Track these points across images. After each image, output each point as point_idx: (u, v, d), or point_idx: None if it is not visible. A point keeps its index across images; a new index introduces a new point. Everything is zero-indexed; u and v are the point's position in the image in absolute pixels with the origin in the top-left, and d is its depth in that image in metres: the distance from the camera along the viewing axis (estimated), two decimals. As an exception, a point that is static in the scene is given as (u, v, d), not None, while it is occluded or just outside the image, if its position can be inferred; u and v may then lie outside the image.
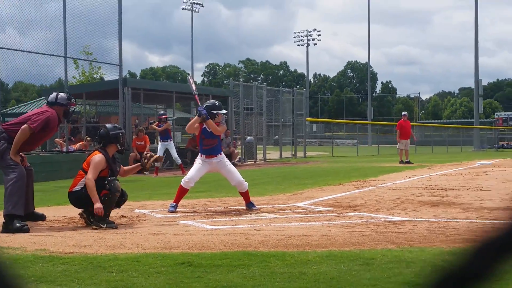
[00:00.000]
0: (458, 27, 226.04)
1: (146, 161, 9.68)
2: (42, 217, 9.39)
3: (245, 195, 10.87)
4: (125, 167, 9.85)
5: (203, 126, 10.71)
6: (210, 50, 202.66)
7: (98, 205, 8.58)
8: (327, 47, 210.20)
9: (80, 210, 9.05)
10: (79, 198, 8.87)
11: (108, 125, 9.54)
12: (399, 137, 27.98)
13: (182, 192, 10.71)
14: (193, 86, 11.61)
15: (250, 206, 10.72)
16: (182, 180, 10.79)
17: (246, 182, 10.88)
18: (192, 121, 10.92)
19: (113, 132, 9.27)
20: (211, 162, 10.83)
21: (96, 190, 8.70)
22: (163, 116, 21.76)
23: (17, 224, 8.36)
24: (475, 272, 0.86)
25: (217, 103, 11.08)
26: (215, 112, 10.76)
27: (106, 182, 8.82)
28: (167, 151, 21.50)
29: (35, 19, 21.63)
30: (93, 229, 8.53)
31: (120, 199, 9.04)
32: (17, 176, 8.67)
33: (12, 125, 9.09)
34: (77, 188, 8.90)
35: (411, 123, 30.15)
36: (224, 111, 11.00)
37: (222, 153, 11.07)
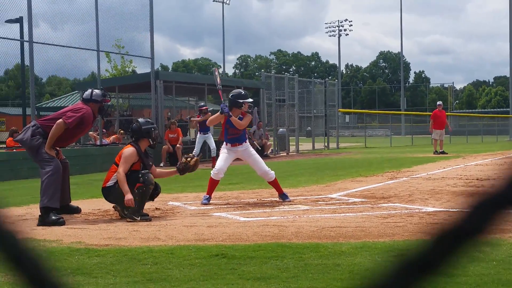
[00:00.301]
0: (491, 15, 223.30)
1: (183, 165, 9.67)
2: (77, 210, 9.49)
3: (275, 185, 10.84)
4: (159, 170, 9.89)
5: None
6: (241, 42, 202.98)
7: (129, 196, 8.64)
8: (359, 38, 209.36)
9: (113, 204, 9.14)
10: (112, 193, 8.95)
11: (140, 120, 9.60)
12: (431, 127, 27.72)
13: (213, 184, 10.73)
14: (218, 80, 11.54)
15: (283, 197, 10.70)
16: (212, 172, 10.82)
17: (272, 171, 10.86)
18: (213, 117, 10.95)
19: (145, 127, 9.31)
20: (236, 151, 10.86)
21: (130, 184, 8.76)
22: (204, 108, 21.75)
23: (53, 217, 8.46)
24: (432, 262, 0.84)
25: (243, 92, 11.09)
26: (241, 101, 10.77)
27: (140, 175, 8.88)
28: (204, 143, 21.49)
29: (67, 13, 21.83)
30: (127, 221, 8.59)
31: (153, 192, 9.09)
32: (53, 169, 8.77)
33: (48, 120, 9.19)
34: (110, 183, 8.97)
35: (446, 113, 29.83)
36: (250, 100, 10.98)
37: (247, 141, 11.08)
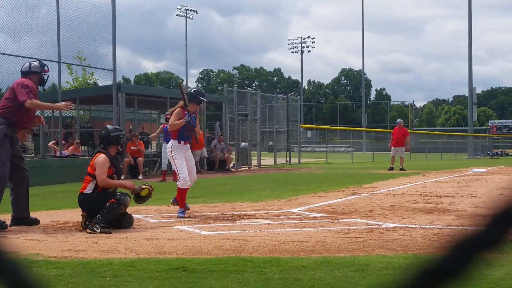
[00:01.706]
0: (450, 35, 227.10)
1: (135, 197, 9.56)
2: (36, 222, 9.36)
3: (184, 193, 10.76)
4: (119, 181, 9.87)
5: (186, 114, 10.77)
6: (203, 56, 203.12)
7: (127, 183, 9.14)
8: (321, 55, 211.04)
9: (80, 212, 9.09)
10: (88, 201, 8.96)
11: (109, 127, 9.76)
12: (390, 143, 28.20)
13: (183, 194, 10.70)
14: (185, 96, 11.22)
15: (174, 200, 10.87)
16: (178, 183, 10.72)
17: (194, 177, 11.02)
18: (177, 122, 10.79)
19: (114, 134, 9.48)
20: (186, 149, 10.90)
21: (105, 199, 8.88)
22: (167, 116, 21.61)
23: None
24: (448, 273, 0.87)
25: (203, 91, 11.58)
26: (202, 98, 11.02)
27: (118, 194, 8.98)
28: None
29: (28, 24, 21.59)
30: (87, 233, 8.49)
31: (125, 222, 9.04)
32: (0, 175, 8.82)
33: (2, 108, 9.13)
34: (88, 191, 8.99)
35: (407, 130, 30.17)
36: (206, 100, 11.50)
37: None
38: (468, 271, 0.89)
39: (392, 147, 27.97)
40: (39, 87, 9.56)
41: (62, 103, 9.69)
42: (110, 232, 8.56)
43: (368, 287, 5.26)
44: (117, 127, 9.98)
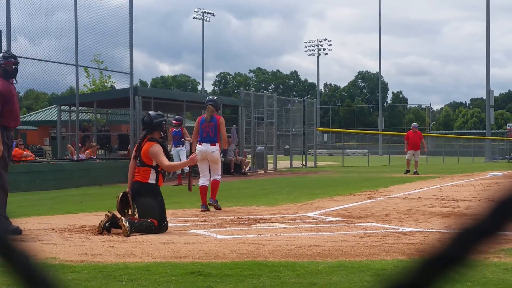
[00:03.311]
0: (467, 38, 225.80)
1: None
2: (17, 231, 8.59)
3: (214, 187, 11.87)
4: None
5: (203, 116, 11.78)
6: (220, 59, 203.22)
7: (187, 161, 9.72)
8: (337, 57, 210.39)
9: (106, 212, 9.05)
10: (147, 191, 9.10)
11: (151, 113, 9.83)
12: (406, 147, 28.13)
13: (205, 192, 11.77)
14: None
15: (211, 201, 11.71)
16: (200, 182, 11.87)
17: (220, 176, 12.09)
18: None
19: (157, 120, 9.60)
20: (206, 150, 11.66)
21: (152, 208, 8.96)
22: (176, 122, 21.61)
23: None
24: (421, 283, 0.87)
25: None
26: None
27: (163, 221, 9.00)
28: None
29: (46, 28, 21.79)
30: (103, 236, 8.51)
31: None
32: None
33: None
34: (152, 181, 9.18)
35: (422, 134, 30.06)
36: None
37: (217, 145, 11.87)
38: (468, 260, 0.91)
39: (409, 151, 27.88)
40: (13, 80, 9.04)
41: (1, 148, 8.57)
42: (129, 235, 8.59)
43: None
44: (159, 112, 9.92)
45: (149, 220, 8.86)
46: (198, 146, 11.81)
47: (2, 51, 9.26)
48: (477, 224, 0.90)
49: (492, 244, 0.88)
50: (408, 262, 0.90)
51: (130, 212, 9.13)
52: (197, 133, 12.04)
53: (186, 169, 21.03)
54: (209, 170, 12.00)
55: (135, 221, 8.82)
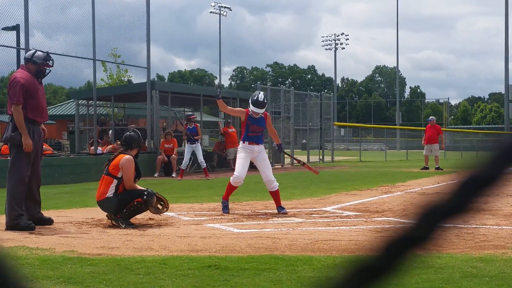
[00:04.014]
0: (481, 33, 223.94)
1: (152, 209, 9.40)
2: (49, 221, 9.22)
3: (275, 196, 10.85)
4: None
5: (249, 113, 10.81)
6: (234, 54, 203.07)
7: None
8: (352, 52, 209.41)
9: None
10: (112, 204, 9.05)
11: (136, 131, 9.87)
12: (423, 141, 27.80)
13: (231, 189, 10.91)
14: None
15: (279, 209, 10.70)
16: (231, 178, 10.88)
17: (277, 183, 10.88)
18: (234, 109, 11.82)
19: (140, 138, 9.70)
20: (253, 150, 10.86)
21: (131, 197, 8.99)
22: (192, 116, 21.65)
23: (22, 224, 8.51)
24: (382, 267, 0.88)
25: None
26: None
27: (146, 193, 9.02)
28: (193, 154, 21.41)
29: (62, 23, 21.93)
30: (120, 230, 8.57)
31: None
32: (17, 178, 8.80)
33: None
34: (110, 194, 9.04)
35: (441, 128, 29.72)
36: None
37: (263, 145, 11.17)
38: (395, 271, 0.92)
39: (425, 145, 27.59)
40: (39, 80, 9.22)
41: (30, 142, 8.77)
42: (134, 228, 8.74)
43: (402, 286, 5.22)
44: (136, 130, 10.02)
45: (134, 203, 8.93)
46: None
47: (44, 51, 9.37)
48: (439, 206, 0.91)
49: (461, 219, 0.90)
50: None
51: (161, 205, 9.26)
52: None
53: (204, 164, 21.15)
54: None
55: (124, 210, 8.91)
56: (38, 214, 9.21)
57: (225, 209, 10.70)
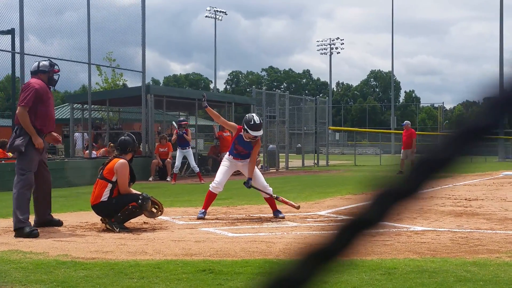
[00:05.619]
0: (475, 38, 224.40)
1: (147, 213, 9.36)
2: (59, 223, 9.41)
3: (270, 201, 10.84)
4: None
5: (240, 133, 10.71)
6: (229, 59, 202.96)
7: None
8: (346, 57, 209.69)
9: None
10: (107, 208, 9.02)
11: (131, 135, 9.79)
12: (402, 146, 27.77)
13: (210, 198, 10.72)
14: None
15: (276, 214, 10.67)
16: (210, 185, 10.78)
17: (270, 188, 10.86)
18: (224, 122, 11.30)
19: (134, 142, 9.62)
20: (236, 164, 10.87)
21: (126, 201, 8.97)
22: (183, 122, 21.64)
23: (27, 229, 8.46)
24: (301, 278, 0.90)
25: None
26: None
27: (141, 198, 8.99)
28: (185, 159, 21.42)
29: (56, 27, 21.89)
30: (114, 234, 8.56)
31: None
32: (25, 182, 8.78)
33: None
34: (104, 198, 9.00)
35: (415, 132, 29.46)
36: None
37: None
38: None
39: (402, 150, 27.58)
40: (50, 87, 9.45)
41: (41, 140, 8.94)
42: (129, 232, 8.73)
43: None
44: (131, 134, 9.95)
45: (129, 207, 8.92)
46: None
47: (45, 61, 9.62)
48: (358, 217, 0.93)
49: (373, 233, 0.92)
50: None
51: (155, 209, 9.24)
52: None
53: (197, 169, 21.15)
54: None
55: (119, 214, 8.90)
56: (48, 216, 9.39)
57: (202, 214, 10.46)
